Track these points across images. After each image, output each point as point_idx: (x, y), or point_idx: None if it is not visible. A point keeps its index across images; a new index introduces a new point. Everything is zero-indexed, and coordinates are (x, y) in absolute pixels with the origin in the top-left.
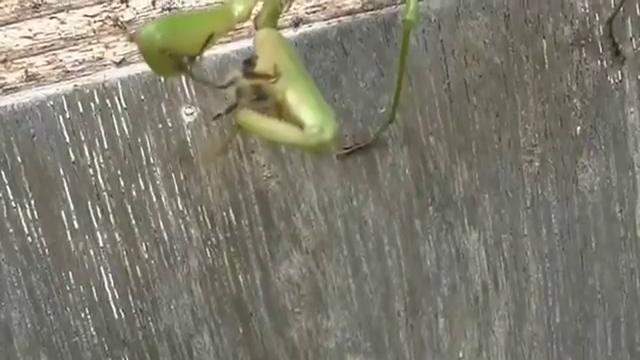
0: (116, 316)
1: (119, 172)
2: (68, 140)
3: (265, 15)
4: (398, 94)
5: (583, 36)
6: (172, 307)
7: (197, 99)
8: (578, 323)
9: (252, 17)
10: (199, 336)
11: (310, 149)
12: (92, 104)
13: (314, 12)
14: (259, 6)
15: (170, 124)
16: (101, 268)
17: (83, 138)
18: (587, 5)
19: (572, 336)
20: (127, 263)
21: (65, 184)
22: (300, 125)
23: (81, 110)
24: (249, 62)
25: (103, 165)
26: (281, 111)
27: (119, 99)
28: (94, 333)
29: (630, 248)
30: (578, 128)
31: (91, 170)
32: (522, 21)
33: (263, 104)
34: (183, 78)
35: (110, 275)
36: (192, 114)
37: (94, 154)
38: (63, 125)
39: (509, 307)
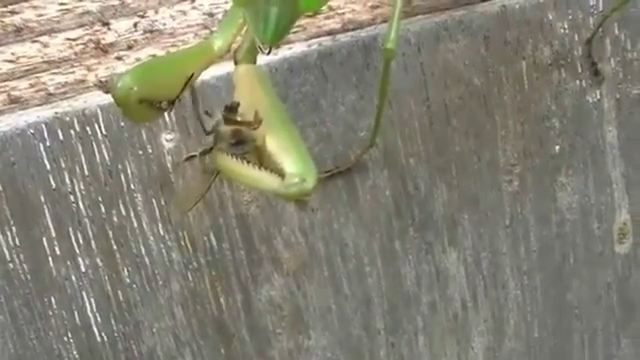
0: (99, 340)
1: (100, 198)
2: (49, 167)
3: (244, 50)
4: (378, 120)
5: (562, 57)
6: (154, 330)
7: (177, 125)
8: (556, 337)
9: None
10: (181, 358)
11: (290, 198)
12: (72, 131)
13: (295, 32)
14: (239, 41)
15: (150, 150)
16: (83, 293)
17: (64, 165)
18: (566, 26)
19: (550, 350)
20: (109, 288)
21: (46, 211)
22: (280, 173)
23: (61, 138)
24: (230, 108)
25: (84, 192)
26: (261, 156)
27: (99, 126)
28: (77, 357)
29: (608, 263)
30: (557, 147)
31: (72, 197)
32: (502, 43)
33: (242, 149)
34: None
35: (92, 300)
36: (172, 140)
37: (75, 181)
38: (43, 153)
39: (488, 323)
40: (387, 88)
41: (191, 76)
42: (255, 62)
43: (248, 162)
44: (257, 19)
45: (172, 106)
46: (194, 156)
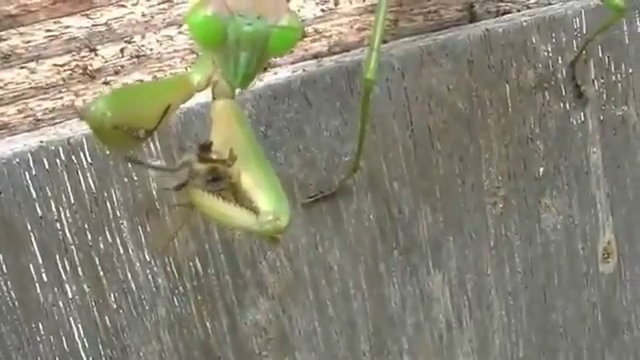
0: None
1: (86, 226)
2: (35, 196)
3: (222, 85)
4: (361, 145)
5: (546, 79)
6: (141, 354)
7: (162, 153)
8: (541, 357)
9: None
10: None
11: (264, 235)
12: (58, 160)
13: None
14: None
15: (135, 177)
16: (70, 319)
17: (50, 194)
18: (550, 49)
19: None
20: (96, 313)
21: (33, 238)
22: (254, 210)
23: (47, 166)
24: (205, 147)
25: (70, 219)
26: (236, 193)
27: (84, 155)
28: None
29: (592, 283)
30: (541, 169)
31: (58, 224)
32: (485, 66)
33: (217, 185)
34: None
35: (80, 325)
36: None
37: (61, 209)
38: (29, 181)
39: (473, 344)
40: (368, 115)
41: (168, 107)
42: (233, 97)
43: (223, 198)
44: (227, 63)
45: (150, 136)
46: (167, 189)
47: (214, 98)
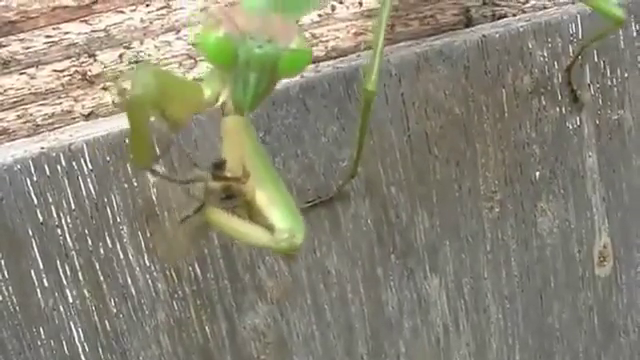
0: None
1: (87, 231)
2: (36, 202)
3: (230, 104)
4: (359, 152)
5: (542, 84)
6: (141, 358)
7: (162, 159)
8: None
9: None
10: None
11: (281, 253)
12: (59, 167)
13: None
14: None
15: (136, 184)
16: (71, 323)
17: (51, 200)
18: (546, 54)
19: None
20: (96, 318)
21: (34, 244)
22: (269, 227)
23: (48, 173)
24: (218, 165)
25: (71, 225)
26: (250, 210)
27: (85, 161)
28: None
29: (588, 286)
30: (537, 173)
31: (59, 230)
32: (482, 72)
33: (231, 203)
34: None
35: (80, 330)
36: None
37: (62, 215)
38: (31, 188)
39: (470, 347)
40: (367, 125)
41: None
42: (243, 113)
43: (238, 216)
44: (237, 83)
45: (175, 132)
46: (189, 216)
47: (224, 114)
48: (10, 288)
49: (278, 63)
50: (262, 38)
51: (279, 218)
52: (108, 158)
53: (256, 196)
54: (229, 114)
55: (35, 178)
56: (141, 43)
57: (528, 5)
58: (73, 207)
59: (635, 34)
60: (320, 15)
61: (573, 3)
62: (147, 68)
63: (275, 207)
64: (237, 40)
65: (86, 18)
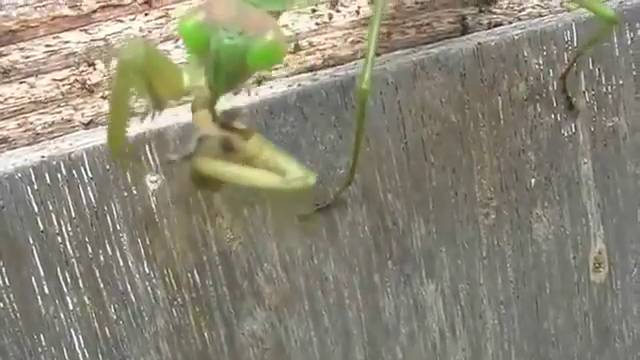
0: None
1: (87, 239)
2: (37, 210)
3: (206, 90)
4: (356, 158)
5: (538, 91)
6: None
7: (161, 167)
8: None
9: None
10: None
11: (291, 194)
12: (59, 175)
13: (276, 69)
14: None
15: (135, 192)
16: (71, 330)
17: (51, 208)
18: (542, 62)
19: None
20: (96, 324)
21: (35, 252)
22: (279, 173)
23: (48, 181)
24: (231, 114)
25: (71, 233)
26: (252, 166)
27: (85, 169)
28: None
29: (583, 292)
30: (533, 180)
31: (59, 238)
32: (478, 79)
33: (227, 158)
34: (147, 147)
35: (80, 336)
36: (156, 181)
37: (62, 223)
38: (31, 196)
39: (466, 352)
40: (363, 127)
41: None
42: (215, 102)
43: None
44: (209, 70)
45: (159, 109)
46: (174, 161)
47: (193, 111)
48: (11, 295)
49: (247, 55)
50: (234, 30)
51: (290, 165)
52: (108, 166)
53: (263, 150)
54: (196, 110)
55: (36, 186)
56: None
57: (524, 13)
58: (73, 215)
59: (630, 42)
60: (317, 23)
61: (568, 11)
62: (139, 40)
63: (284, 157)
64: (211, 29)
65: (86, 27)
